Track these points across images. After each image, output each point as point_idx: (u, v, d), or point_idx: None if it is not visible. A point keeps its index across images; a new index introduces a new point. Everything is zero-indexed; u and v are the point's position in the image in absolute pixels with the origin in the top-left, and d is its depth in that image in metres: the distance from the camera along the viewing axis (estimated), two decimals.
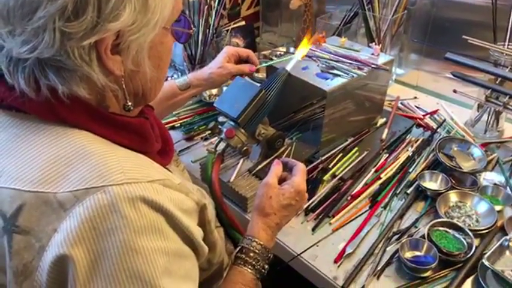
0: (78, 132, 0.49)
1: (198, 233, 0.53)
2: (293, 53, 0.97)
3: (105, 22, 0.44)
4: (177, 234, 0.49)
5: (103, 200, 0.43)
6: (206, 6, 1.14)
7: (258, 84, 0.86)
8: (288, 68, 0.89)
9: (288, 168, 0.77)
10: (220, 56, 0.96)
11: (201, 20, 1.17)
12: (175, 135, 1.09)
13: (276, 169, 0.75)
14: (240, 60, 0.98)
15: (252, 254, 0.65)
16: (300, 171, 0.74)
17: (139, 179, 0.46)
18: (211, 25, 1.23)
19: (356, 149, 1.00)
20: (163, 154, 0.61)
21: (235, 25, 1.39)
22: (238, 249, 0.66)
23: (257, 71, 0.99)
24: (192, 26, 0.59)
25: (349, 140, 1.02)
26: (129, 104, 0.53)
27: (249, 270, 0.64)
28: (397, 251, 0.74)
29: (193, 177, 0.91)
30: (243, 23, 1.43)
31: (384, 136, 1.04)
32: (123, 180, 0.45)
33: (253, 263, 0.64)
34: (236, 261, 0.65)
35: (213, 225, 0.61)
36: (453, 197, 0.84)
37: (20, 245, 0.44)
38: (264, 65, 0.99)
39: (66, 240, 0.42)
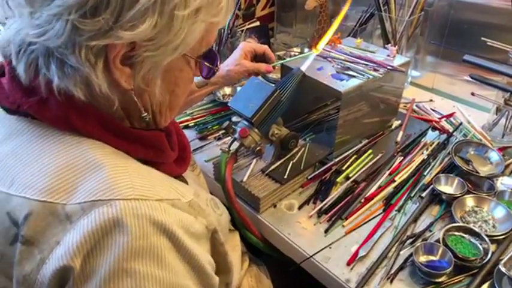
0: (91, 143, 0.48)
1: (206, 260, 0.51)
2: (308, 54, 0.96)
3: (119, 29, 0.42)
4: (181, 261, 0.47)
5: (108, 214, 0.42)
6: None
7: (273, 85, 0.86)
8: (303, 68, 0.88)
9: None
10: (237, 52, 0.96)
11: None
12: (189, 134, 1.09)
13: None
14: (256, 56, 0.98)
15: None
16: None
17: (148, 197, 0.45)
18: (226, 25, 1.23)
19: (370, 151, 0.99)
20: (180, 162, 0.61)
21: (249, 25, 1.39)
22: None
23: (273, 67, 0.99)
24: (219, 64, 0.57)
25: (364, 142, 1.01)
26: (145, 114, 0.52)
27: None
28: (411, 255, 0.73)
29: (206, 176, 0.92)
30: (258, 23, 1.44)
31: (398, 138, 1.02)
32: (131, 195, 0.44)
33: None
34: None
35: (226, 247, 0.60)
36: (469, 201, 0.83)
37: (23, 256, 0.44)
38: (279, 62, 0.98)
39: (67, 253, 0.42)
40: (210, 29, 0.50)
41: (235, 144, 0.86)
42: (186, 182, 0.62)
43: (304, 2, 1.33)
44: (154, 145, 0.54)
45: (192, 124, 1.14)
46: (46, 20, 0.42)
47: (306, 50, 1.43)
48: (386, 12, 1.17)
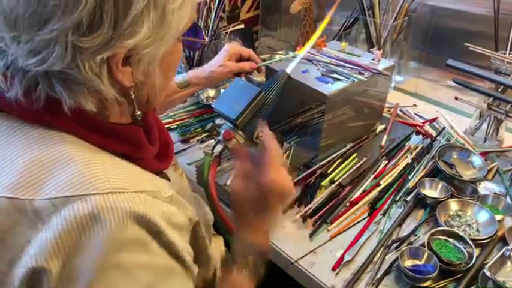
0: (62, 136, 0.46)
1: (186, 251, 0.49)
2: (293, 57, 0.96)
3: (120, 38, 0.41)
4: (165, 250, 0.45)
5: (83, 210, 0.40)
6: (206, 7, 1.12)
7: (258, 86, 0.85)
8: (288, 70, 0.87)
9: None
10: (222, 54, 0.95)
11: (200, 22, 1.16)
12: (172, 137, 1.07)
13: (238, 169, 0.66)
14: (241, 59, 0.97)
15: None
16: (268, 163, 0.62)
17: (125, 189, 0.43)
18: (211, 27, 1.22)
19: (355, 155, 0.98)
20: (161, 158, 0.59)
21: (234, 28, 1.38)
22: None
23: (258, 70, 0.98)
24: (204, 36, 0.57)
25: (348, 146, 1.00)
26: (138, 113, 0.52)
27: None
28: (396, 260, 0.73)
29: (189, 180, 0.89)
30: (242, 26, 1.42)
31: (383, 142, 1.02)
32: (107, 189, 0.42)
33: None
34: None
35: (207, 240, 0.58)
36: (453, 205, 0.83)
37: None
38: (264, 63, 0.97)
39: (40, 253, 0.39)
40: (194, 7, 0.50)
41: (219, 147, 0.83)
42: (168, 179, 0.60)
43: (288, 5, 1.32)
44: (131, 140, 0.52)
45: (174, 126, 1.11)
46: (41, 45, 0.40)
47: (291, 53, 1.43)
48: (370, 17, 1.17)
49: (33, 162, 0.43)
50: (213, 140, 1.06)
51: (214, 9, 1.15)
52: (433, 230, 0.76)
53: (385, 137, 1.04)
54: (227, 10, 1.41)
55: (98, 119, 0.49)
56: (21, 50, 0.41)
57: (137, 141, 0.53)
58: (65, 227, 0.39)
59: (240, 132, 0.82)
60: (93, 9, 0.39)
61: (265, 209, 0.63)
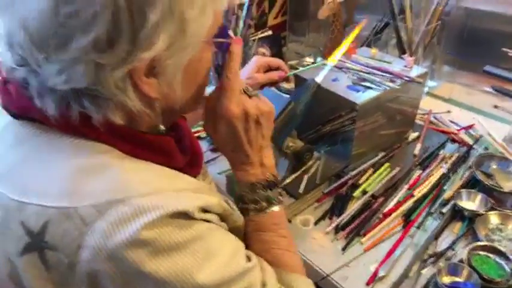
0: (98, 146, 0.47)
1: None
2: (323, 65, 0.94)
3: (138, 51, 0.42)
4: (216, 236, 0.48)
5: (126, 213, 0.42)
6: (234, 16, 1.12)
7: (287, 96, 0.84)
8: (318, 79, 0.86)
9: None
10: (249, 66, 0.94)
11: (228, 31, 1.16)
12: (202, 146, 1.07)
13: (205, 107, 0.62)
14: (270, 70, 0.96)
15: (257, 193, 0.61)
16: (221, 88, 0.58)
17: (165, 189, 0.45)
18: (239, 35, 1.22)
19: (387, 164, 0.96)
20: (191, 166, 0.60)
21: (262, 35, 1.37)
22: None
23: (286, 79, 0.97)
24: (230, 34, 0.56)
25: (380, 155, 0.98)
26: (162, 128, 0.52)
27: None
28: (434, 275, 0.70)
29: (219, 189, 0.90)
30: (270, 32, 1.41)
31: (416, 151, 0.99)
32: (147, 190, 0.44)
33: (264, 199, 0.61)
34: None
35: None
36: (493, 218, 0.79)
37: (54, 260, 0.43)
38: (293, 72, 0.96)
39: (92, 256, 0.41)
40: (218, 11, 0.49)
41: None
42: None
43: (317, 10, 1.31)
44: (163, 150, 0.53)
45: (204, 135, 1.12)
46: (65, 65, 0.42)
47: (319, 59, 1.41)
48: (401, 22, 1.14)
49: (75, 171, 0.45)
50: None
51: (243, 18, 1.15)
52: (472, 245, 0.73)
53: (418, 145, 1.01)
54: (255, 18, 1.41)
55: (130, 130, 0.50)
56: (50, 70, 0.42)
57: (169, 151, 0.53)
58: (110, 230, 0.41)
59: (271, 143, 0.81)
60: (109, 26, 0.40)
61: (239, 143, 0.59)
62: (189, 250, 0.45)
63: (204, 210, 0.48)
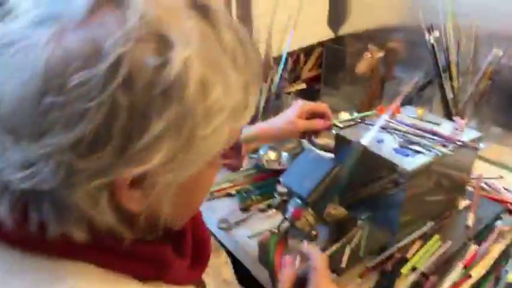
0: (70, 267, 0.38)
1: None
2: (360, 120, 0.88)
3: (125, 164, 0.33)
4: None
5: None
6: (272, 71, 1.09)
7: (330, 159, 0.77)
8: (364, 142, 0.79)
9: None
10: (293, 109, 0.88)
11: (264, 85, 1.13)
12: (230, 204, 1.01)
13: (287, 276, 0.60)
14: (314, 116, 0.90)
15: None
16: (315, 271, 0.58)
17: None
18: (273, 89, 1.18)
19: (437, 236, 0.86)
20: (194, 264, 0.50)
21: (295, 88, 1.34)
22: None
23: (328, 129, 0.90)
24: (243, 155, 0.48)
25: (429, 225, 0.89)
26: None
27: None
28: None
29: (247, 255, 0.82)
30: (304, 86, 1.38)
31: (469, 222, 0.89)
32: None
33: None
34: None
35: None
36: None
37: None
38: (339, 122, 0.89)
39: None
40: (235, 129, 0.41)
41: (285, 224, 0.76)
42: (203, 284, 0.52)
43: (353, 63, 1.27)
44: (156, 259, 0.43)
45: (234, 192, 1.05)
46: (34, 158, 0.33)
47: (355, 114, 1.36)
48: (447, 80, 1.08)
49: None
50: (275, 210, 0.99)
51: (279, 73, 1.11)
52: None
53: (471, 215, 0.91)
54: (288, 69, 1.38)
55: (113, 239, 0.40)
56: (15, 158, 0.34)
57: (163, 260, 0.44)
58: None
59: (311, 211, 0.74)
60: (99, 127, 0.32)
61: None
62: None
63: None
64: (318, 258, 0.61)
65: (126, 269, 0.40)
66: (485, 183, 1.04)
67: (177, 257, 0.46)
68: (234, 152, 0.44)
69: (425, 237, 0.86)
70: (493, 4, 1.04)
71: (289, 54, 1.32)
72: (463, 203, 0.95)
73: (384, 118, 0.85)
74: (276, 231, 0.75)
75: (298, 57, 1.38)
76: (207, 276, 0.56)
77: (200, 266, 0.52)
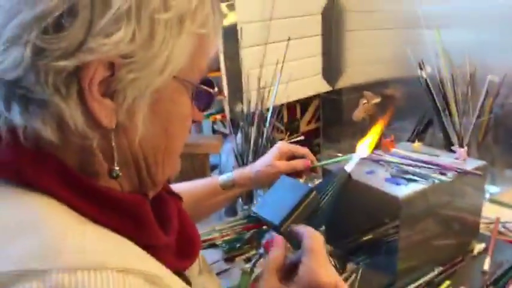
0: (40, 198, 0.35)
1: None
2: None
3: (91, 39, 0.33)
4: None
5: None
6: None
7: (306, 185, 0.69)
8: (348, 168, 0.72)
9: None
10: (270, 152, 0.83)
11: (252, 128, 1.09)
12: (215, 255, 0.91)
13: (273, 258, 0.54)
14: (294, 158, 0.84)
15: None
16: (309, 253, 0.51)
17: (106, 264, 0.31)
18: (265, 136, 1.14)
19: (447, 282, 0.73)
20: (180, 255, 0.45)
21: (293, 140, 1.29)
22: None
23: (313, 170, 0.83)
24: (214, 86, 0.46)
25: (437, 271, 0.76)
26: (116, 168, 0.39)
27: None
28: None
29: None
30: (302, 137, 1.34)
31: (486, 267, 0.76)
32: (78, 264, 0.30)
33: None
34: None
35: None
36: None
37: None
38: (321, 163, 0.83)
39: None
40: (200, 44, 0.40)
41: (261, 261, 0.66)
42: (189, 283, 0.45)
43: (350, 116, 1.23)
44: (132, 213, 0.39)
45: (220, 242, 0.95)
46: (2, 48, 0.33)
47: (349, 155, 1.30)
48: (447, 117, 1.02)
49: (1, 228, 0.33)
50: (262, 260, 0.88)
51: (269, 119, 1.08)
52: None
53: (487, 260, 0.78)
54: (285, 122, 1.36)
55: (89, 181, 0.38)
56: None
57: (140, 215, 0.40)
58: None
59: (286, 244, 0.64)
60: (61, 4, 0.32)
61: None
62: None
63: None
64: (314, 238, 0.52)
65: (102, 218, 0.37)
66: (504, 227, 0.91)
67: (160, 228, 0.42)
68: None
69: (434, 284, 0.73)
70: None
71: (285, 105, 1.31)
72: (478, 247, 0.82)
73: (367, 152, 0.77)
74: (249, 270, 0.65)
75: (294, 108, 1.36)
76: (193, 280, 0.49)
77: (186, 259, 0.47)
